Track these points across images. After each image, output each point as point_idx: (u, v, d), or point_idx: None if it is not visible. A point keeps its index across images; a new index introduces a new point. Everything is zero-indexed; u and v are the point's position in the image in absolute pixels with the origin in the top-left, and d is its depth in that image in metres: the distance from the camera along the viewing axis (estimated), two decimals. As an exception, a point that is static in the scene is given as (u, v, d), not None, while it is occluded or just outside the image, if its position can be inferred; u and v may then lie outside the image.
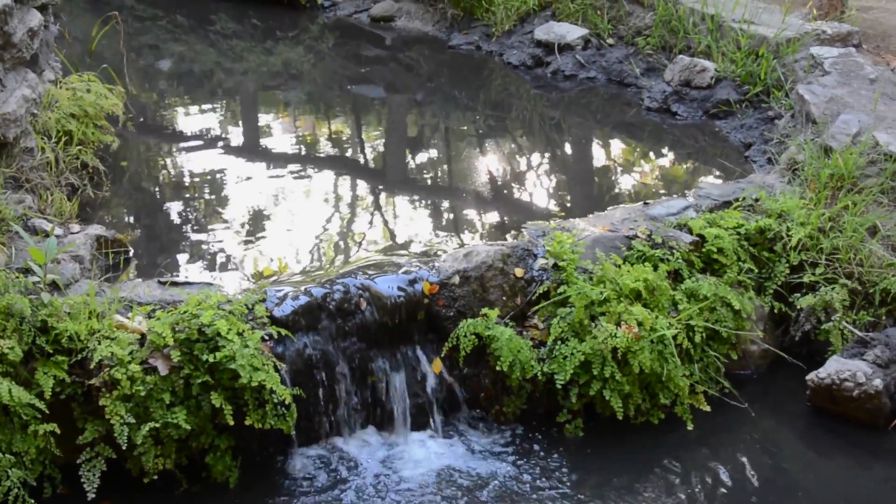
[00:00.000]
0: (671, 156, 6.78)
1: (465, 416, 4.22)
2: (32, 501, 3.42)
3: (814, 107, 5.70)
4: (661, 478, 3.95)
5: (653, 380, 4.15)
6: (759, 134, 6.38)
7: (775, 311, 4.66)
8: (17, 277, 3.78)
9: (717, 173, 6.17)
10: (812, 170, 5.06)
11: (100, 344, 3.58)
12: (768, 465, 4.06)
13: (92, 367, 3.56)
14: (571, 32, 8.23)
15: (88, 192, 5.31)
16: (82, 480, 3.54)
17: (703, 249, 4.58)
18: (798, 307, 4.60)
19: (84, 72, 6.19)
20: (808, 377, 4.31)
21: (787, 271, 4.64)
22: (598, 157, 6.97)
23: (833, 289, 4.49)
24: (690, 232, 4.66)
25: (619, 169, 6.68)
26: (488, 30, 8.98)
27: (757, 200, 4.94)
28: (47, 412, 3.48)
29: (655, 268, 4.36)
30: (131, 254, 4.79)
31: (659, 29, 7.79)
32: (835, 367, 4.23)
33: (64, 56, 6.42)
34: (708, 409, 4.25)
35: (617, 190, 6.20)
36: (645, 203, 5.03)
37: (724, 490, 3.89)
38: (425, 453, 4.04)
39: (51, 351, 3.60)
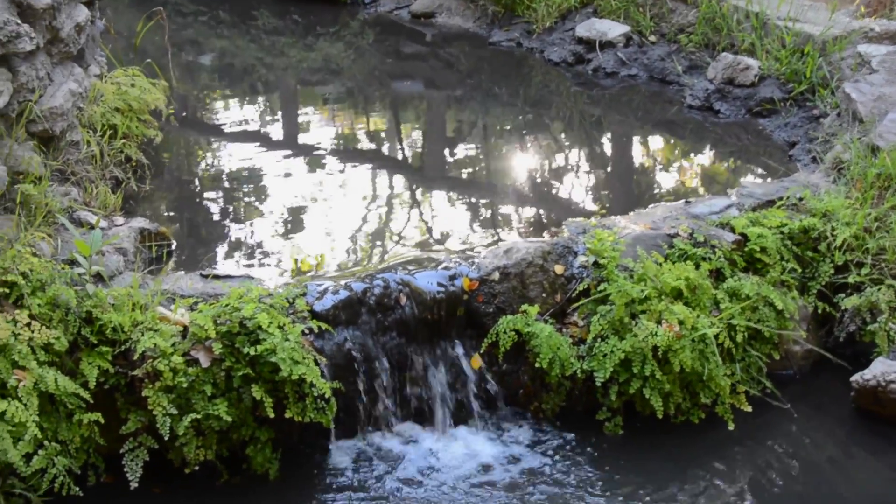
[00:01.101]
0: (713, 154, 6.73)
1: (504, 412, 4.21)
2: (77, 489, 3.46)
3: (861, 105, 5.62)
4: (701, 477, 3.92)
5: (693, 379, 4.12)
6: (804, 133, 6.30)
7: (819, 311, 4.60)
8: (63, 269, 3.83)
9: (760, 172, 6.11)
10: (858, 169, 4.99)
11: (143, 335, 3.62)
12: (810, 466, 4.02)
13: (135, 358, 3.60)
14: (613, 29, 8.18)
15: (132, 186, 5.37)
16: (125, 470, 3.57)
17: (746, 248, 4.53)
18: (842, 308, 4.54)
19: (128, 66, 6.26)
20: (852, 378, 4.25)
21: (832, 271, 4.58)
22: (639, 154, 6.93)
23: (879, 290, 4.43)
24: (733, 231, 4.62)
25: (659, 167, 6.64)
26: (529, 26, 8.95)
27: (801, 200, 4.88)
28: (91, 402, 3.53)
29: (697, 266, 4.33)
30: (174, 247, 4.84)
31: (702, 26, 7.72)
32: (880, 369, 4.17)
33: (109, 51, 6.49)
34: (749, 409, 4.21)
35: (658, 188, 6.16)
36: (687, 201, 5.00)
37: (764, 491, 3.85)
38: (463, 449, 4.04)
39: (95, 342, 3.64)
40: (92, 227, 4.27)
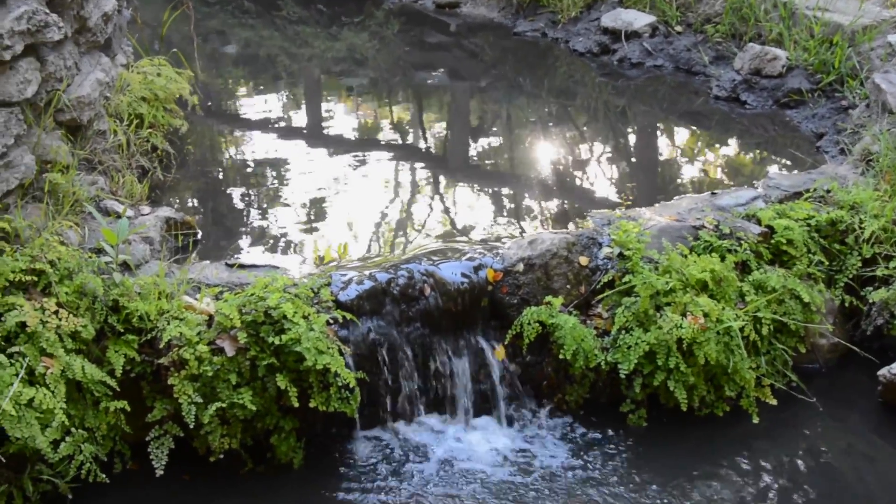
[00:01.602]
0: (739, 145, 6.68)
1: (527, 403, 4.20)
2: (104, 476, 3.49)
3: (890, 96, 5.56)
4: (726, 470, 3.90)
5: (718, 371, 4.10)
6: (832, 124, 6.24)
7: (846, 304, 4.56)
8: (90, 257, 3.86)
9: (787, 164, 6.05)
10: (888, 161, 4.94)
11: (169, 324, 3.64)
12: (836, 461, 3.99)
13: (161, 346, 3.62)
14: (639, 20, 8.14)
15: (158, 175, 5.40)
16: (151, 458, 3.60)
17: (772, 241, 4.50)
18: (870, 301, 4.50)
19: (154, 56, 6.29)
20: (879, 372, 4.22)
21: (860, 264, 4.54)
22: (664, 145, 6.89)
23: (907, 283, 4.39)
24: (759, 223, 4.58)
25: (685, 158, 6.60)
26: (554, 16, 8.92)
27: (828, 192, 4.84)
28: (118, 389, 3.55)
29: (723, 258, 4.30)
30: (199, 236, 4.86)
31: (729, 16, 7.66)
32: (908, 363, 4.14)
33: (135, 40, 6.52)
34: (774, 402, 4.18)
35: (683, 179, 6.12)
36: (712, 193, 4.96)
37: (789, 485, 3.83)
38: (486, 440, 4.04)
39: (122, 330, 3.67)
40: (119, 216, 4.29)
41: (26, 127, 4.04)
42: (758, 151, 6.51)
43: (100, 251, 3.98)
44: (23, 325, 3.38)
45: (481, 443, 4.01)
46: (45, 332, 3.40)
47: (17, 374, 3.25)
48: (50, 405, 3.27)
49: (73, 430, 3.43)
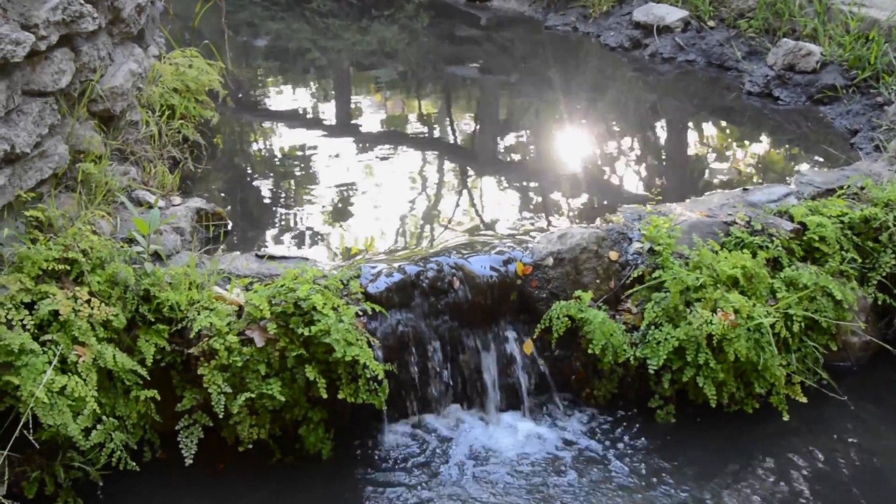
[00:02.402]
0: (771, 142, 6.62)
1: (556, 397, 4.20)
2: (134, 464, 3.52)
3: (926, 93, 5.50)
4: (755, 467, 3.87)
5: (748, 368, 4.07)
6: (867, 120, 6.17)
7: (879, 302, 4.51)
8: (122, 247, 3.89)
9: (820, 160, 5.99)
10: (923, 158, 4.88)
11: (199, 314, 3.66)
12: (866, 459, 3.95)
13: (191, 336, 3.64)
14: (671, 14, 8.09)
15: (189, 166, 5.43)
16: (180, 447, 3.62)
17: (805, 237, 4.46)
18: (903, 299, 4.45)
19: (186, 48, 6.32)
20: (912, 371, 4.18)
21: (893, 262, 4.48)
22: (696, 141, 6.84)
23: (941, 282, 4.34)
24: (791, 219, 4.54)
25: (716, 154, 6.54)
26: (585, 10, 8.89)
27: (862, 189, 4.79)
28: (148, 379, 3.58)
29: (754, 255, 4.27)
30: (230, 227, 4.88)
31: (763, 11, 7.59)
32: (941, 363, 4.09)
33: (168, 32, 6.56)
34: (804, 400, 4.14)
35: (714, 175, 6.07)
36: (744, 189, 4.92)
37: (818, 483, 3.79)
38: (515, 433, 4.03)
39: (152, 319, 3.69)
40: (150, 207, 4.32)
41: (60, 117, 4.07)
42: (790, 148, 6.45)
43: (131, 241, 4.01)
44: (55, 313, 3.41)
45: (508, 436, 4.01)
46: (77, 320, 3.42)
47: (49, 362, 3.28)
48: (82, 393, 3.30)
49: (104, 418, 3.45)
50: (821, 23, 7.09)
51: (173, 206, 4.64)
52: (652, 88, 7.58)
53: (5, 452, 3.22)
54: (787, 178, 5.21)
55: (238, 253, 4.28)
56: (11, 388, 3.22)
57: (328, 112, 7.25)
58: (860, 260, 4.52)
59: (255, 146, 6.45)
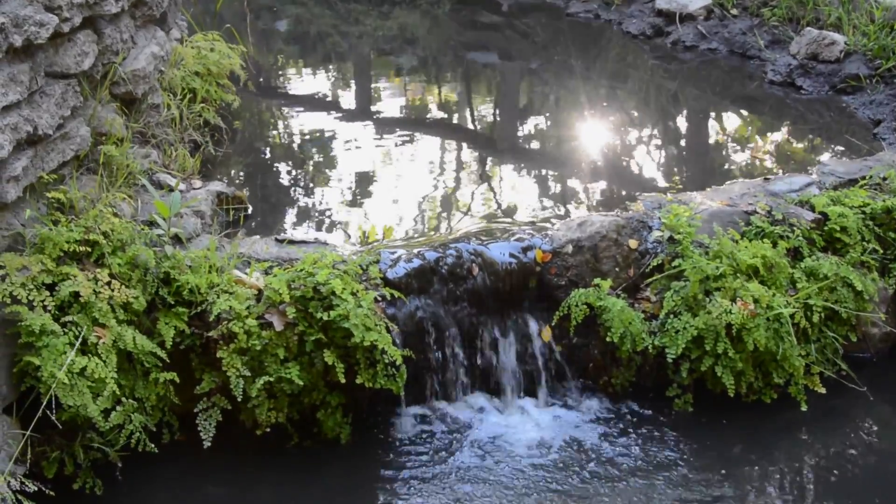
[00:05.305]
0: (793, 131, 6.57)
1: (573, 385, 4.19)
2: (152, 446, 3.54)
3: (951, 83, 5.44)
4: (773, 457, 3.86)
5: (767, 358, 4.05)
6: (891, 110, 6.12)
7: (900, 294, 4.48)
8: (143, 230, 3.90)
9: (843, 150, 5.95)
10: (947, 149, 4.84)
11: (219, 297, 3.67)
12: (885, 451, 3.93)
13: (211, 319, 3.65)
14: (694, 2, 8.03)
15: (209, 149, 5.44)
16: (199, 429, 3.64)
17: (826, 228, 4.43)
18: (925, 291, 4.42)
19: (208, 31, 6.33)
20: (932, 364, 4.15)
21: (915, 253, 4.46)
22: (717, 130, 6.80)
23: (964, 274, 4.30)
24: (812, 209, 4.51)
25: (737, 143, 6.50)
26: (607, -3, 8.84)
27: (885, 179, 4.75)
28: (167, 361, 3.59)
29: (774, 245, 4.24)
30: (250, 211, 4.89)
31: (786, 0, 7.52)
32: (962, 356, 4.06)
33: (190, 15, 6.57)
34: (823, 390, 4.11)
35: (735, 165, 6.04)
36: (765, 178, 4.89)
37: (835, 474, 3.78)
38: (532, 420, 4.03)
39: (172, 302, 3.70)
40: (171, 190, 4.34)
41: (82, 99, 4.08)
42: (813, 137, 6.41)
43: (152, 224, 4.02)
44: (76, 294, 3.43)
45: (525, 423, 4.01)
46: (97, 302, 3.44)
47: (70, 344, 3.30)
48: (102, 374, 3.32)
49: (123, 399, 3.47)
50: (845, 12, 7.03)
51: (194, 189, 4.65)
52: (673, 77, 7.54)
53: (27, 433, 3.24)
54: (809, 167, 5.17)
55: (258, 237, 4.29)
56: (32, 368, 3.25)
57: (348, 97, 7.24)
58: (881, 251, 4.48)
59: (275, 130, 6.46)
